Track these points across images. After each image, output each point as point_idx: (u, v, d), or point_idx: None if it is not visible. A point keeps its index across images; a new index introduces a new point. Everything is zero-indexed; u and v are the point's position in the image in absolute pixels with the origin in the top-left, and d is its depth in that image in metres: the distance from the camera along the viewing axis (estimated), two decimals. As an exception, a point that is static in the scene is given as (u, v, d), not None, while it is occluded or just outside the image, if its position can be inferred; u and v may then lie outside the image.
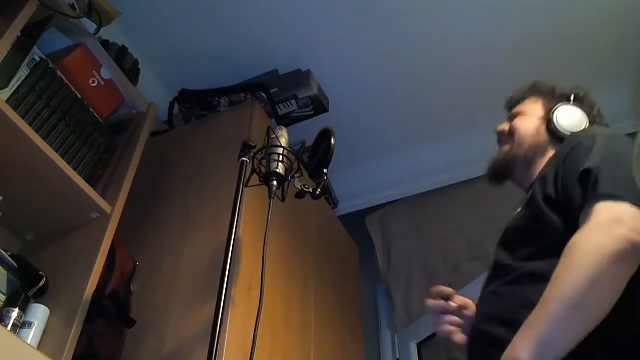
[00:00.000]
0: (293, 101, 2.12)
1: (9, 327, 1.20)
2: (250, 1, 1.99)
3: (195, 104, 2.10)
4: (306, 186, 1.34)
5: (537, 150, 1.27)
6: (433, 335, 2.25)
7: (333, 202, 2.52)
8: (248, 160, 1.30)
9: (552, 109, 1.30)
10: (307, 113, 2.16)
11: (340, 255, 2.23)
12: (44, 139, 1.36)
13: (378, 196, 2.63)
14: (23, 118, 1.31)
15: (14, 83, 1.34)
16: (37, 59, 1.40)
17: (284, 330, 1.59)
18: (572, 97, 1.32)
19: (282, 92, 2.10)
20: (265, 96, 2.04)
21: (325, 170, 1.35)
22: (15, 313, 1.22)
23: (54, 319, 1.29)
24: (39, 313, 1.27)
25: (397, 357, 2.34)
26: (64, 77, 1.48)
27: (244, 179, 1.29)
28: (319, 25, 2.06)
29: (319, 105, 2.14)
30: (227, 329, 1.31)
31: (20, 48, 1.36)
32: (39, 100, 1.39)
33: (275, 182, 1.28)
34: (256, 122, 1.81)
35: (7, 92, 1.32)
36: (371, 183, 2.64)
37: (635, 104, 2.18)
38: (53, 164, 1.35)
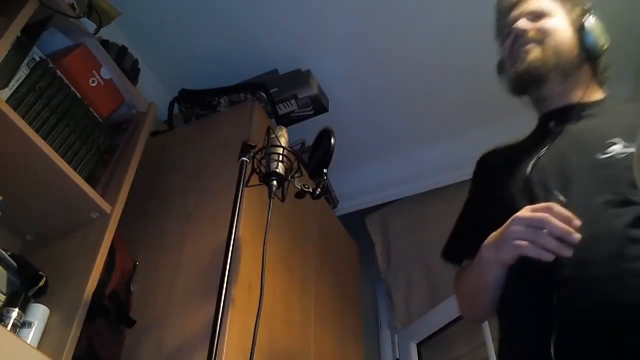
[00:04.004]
0: (293, 101, 2.12)
1: (9, 327, 1.20)
2: (250, 1, 1.99)
3: (195, 104, 2.10)
4: (306, 186, 1.34)
5: (572, 65, 1.12)
6: (433, 335, 2.25)
7: (333, 202, 2.52)
8: (248, 160, 1.30)
9: (581, 16, 1.13)
10: (307, 113, 2.16)
11: (340, 255, 2.23)
12: (44, 139, 1.36)
13: (378, 196, 2.63)
14: (23, 118, 1.31)
15: (14, 83, 1.34)
16: (37, 59, 1.40)
17: (284, 331, 1.59)
18: (590, 6, 1.15)
19: (282, 92, 2.10)
20: (265, 96, 2.04)
21: (325, 170, 1.35)
22: (15, 313, 1.22)
23: (54, 319, 1.29)
24: (39, 313, 1.27)
25: (397, 357, 2.34)
26: (64, 77, 1.48)
27: (244, 179, 1.29)
28: (319, 25, 2.06)
29: (319, 105, 2.14)
30: (227, 329, 1.31)
31: (20, 48, 1.36)
32: (39, 100, 1.39)
33: (275, 182, 1.28)
34: (256, 122, 1.81)
35: (7, 92, 1.32)
36: (371, 183, 2.64)
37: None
38: (53, 164, 1.35)
